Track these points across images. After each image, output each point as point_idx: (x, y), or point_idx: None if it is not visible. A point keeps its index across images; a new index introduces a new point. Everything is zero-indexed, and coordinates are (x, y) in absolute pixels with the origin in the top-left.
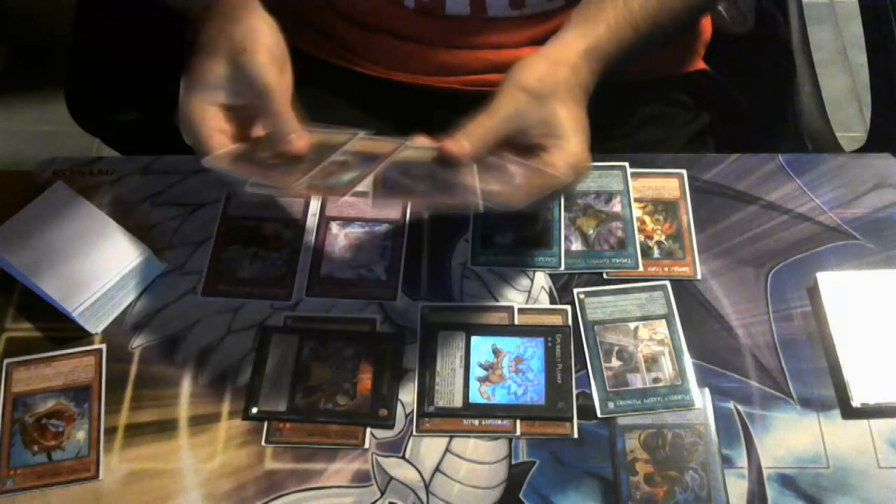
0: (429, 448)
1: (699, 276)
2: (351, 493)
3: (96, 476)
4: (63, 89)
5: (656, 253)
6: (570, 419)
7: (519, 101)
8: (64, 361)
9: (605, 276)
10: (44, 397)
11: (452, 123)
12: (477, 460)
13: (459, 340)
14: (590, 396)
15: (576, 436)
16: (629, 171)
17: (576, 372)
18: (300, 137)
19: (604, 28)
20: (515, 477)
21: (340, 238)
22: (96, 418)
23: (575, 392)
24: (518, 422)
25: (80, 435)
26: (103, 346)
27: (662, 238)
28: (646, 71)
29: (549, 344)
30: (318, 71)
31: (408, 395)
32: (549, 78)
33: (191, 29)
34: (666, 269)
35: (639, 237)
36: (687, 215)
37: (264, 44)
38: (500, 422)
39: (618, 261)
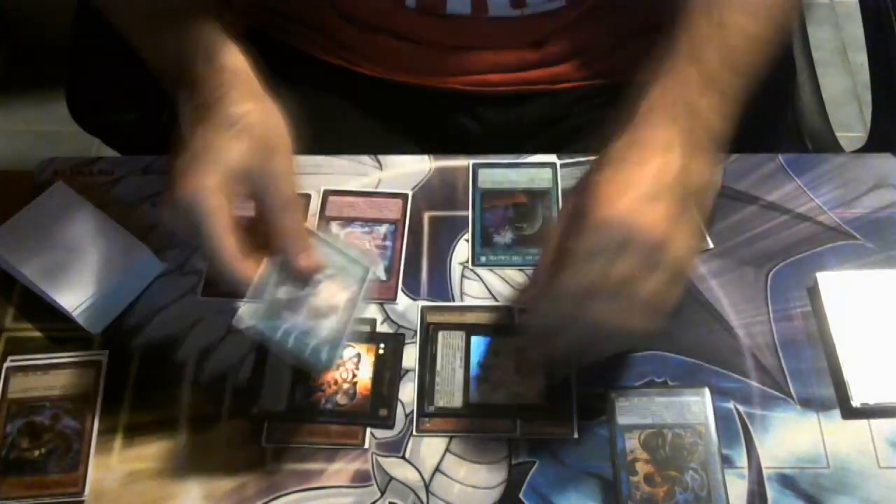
0: (429, 448)
1: (699, 276)
2: (351, 493)
3: (82, 493)
4: (63, 89)
5: None
6: (570, 419)
7: None
8: (63, 371)
9: None
10: (39, 406)
11: (452, 124)
12: (477, 460)
13: (459, 340)
14: (590, 396)
15: (576, 436)
16: None
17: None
18: (310, 256)
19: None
20: (515, 477)
21: (340, 238)
22: (88, 432)
23: (575, 392)
24: (518, 422)
25: (71, 448)
26: (103, 357)
27: None
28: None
29: None
30: (318, 71)
31: (408, 395)
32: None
33: (178, 87)
34: None
35: None
36: None
37: (288, 141)
38: (499, 422)
39: None
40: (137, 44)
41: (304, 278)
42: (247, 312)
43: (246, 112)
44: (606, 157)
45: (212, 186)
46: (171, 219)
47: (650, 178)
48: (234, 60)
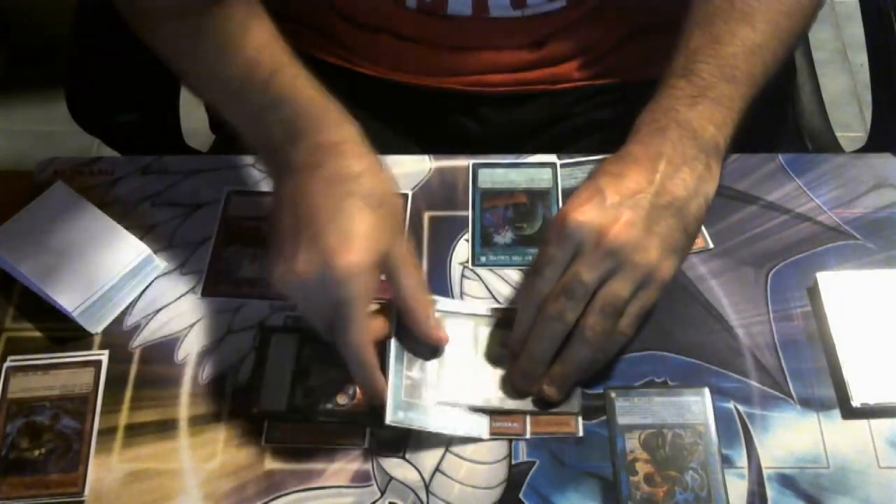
0: (429, 448)
1: (699, 276)
2: (351, 493)
3: (82, 492)
4: (63, 89)
5: None
6: (575, 414)
7: None
8: (63, 371)
9: None
10: (39, 406)
11: (452, 124)
12: (477, 460)
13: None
14: (590, 396)
15: (580, 433)
16: None
17: None
18: (441, 326)
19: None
20: (515, 477)
21: None
22: (88, 432)
23: (578, 390)
24: (527, 419)
25: (71, 448)
26: (103, 357)
27: None
28: (648, 71)
29: None
30: (318, 71)
31: None
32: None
33: (291, 147)
34: None
35: None
36: None
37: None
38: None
39: None
40: (232, 119)
41: (432, 349)
42: (391, 406)
43: (386, 189)
44: (596, 169)
45: (369, 267)
46: (303, 289)
47: (622, 189)
48: (355, 125)
